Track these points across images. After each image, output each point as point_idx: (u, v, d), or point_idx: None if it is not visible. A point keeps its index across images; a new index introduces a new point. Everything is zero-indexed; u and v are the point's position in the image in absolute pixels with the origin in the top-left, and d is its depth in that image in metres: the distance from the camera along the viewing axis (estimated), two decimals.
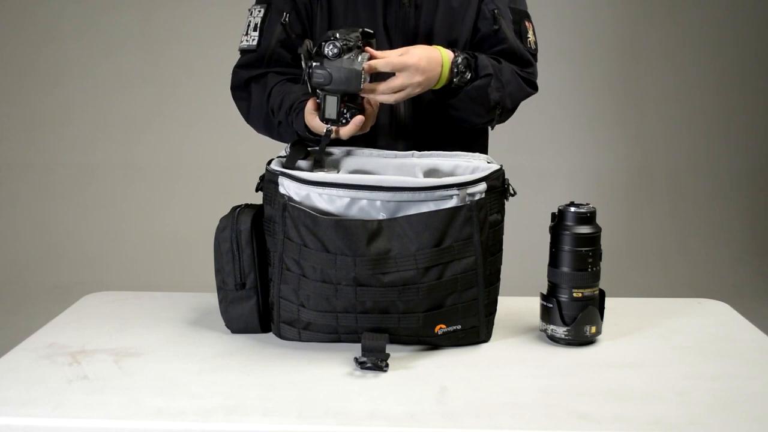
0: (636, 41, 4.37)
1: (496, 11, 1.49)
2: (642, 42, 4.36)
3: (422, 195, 1.20)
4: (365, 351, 1.18)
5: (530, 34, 1.55)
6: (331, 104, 1.28)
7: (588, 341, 1.29)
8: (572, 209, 1.27)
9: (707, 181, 4.39)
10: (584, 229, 1.27)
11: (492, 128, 1.57)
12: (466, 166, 1.33)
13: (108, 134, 4.30)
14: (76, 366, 1.20)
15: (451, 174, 1.32)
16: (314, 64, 1.25)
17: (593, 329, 1.28)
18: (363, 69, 1.25)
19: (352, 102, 1.30)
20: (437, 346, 1.27)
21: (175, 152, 4.29)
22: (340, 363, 1.21)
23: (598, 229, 1.29)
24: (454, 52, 1.38)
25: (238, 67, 1.53)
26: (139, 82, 4.26)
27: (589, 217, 1.27)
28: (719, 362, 1.24)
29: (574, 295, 1.27)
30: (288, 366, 1.20)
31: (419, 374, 1.18)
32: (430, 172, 1.33)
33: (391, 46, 1.47)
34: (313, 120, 1.33)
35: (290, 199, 1.23)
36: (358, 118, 1.29)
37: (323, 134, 1.31)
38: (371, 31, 1.33)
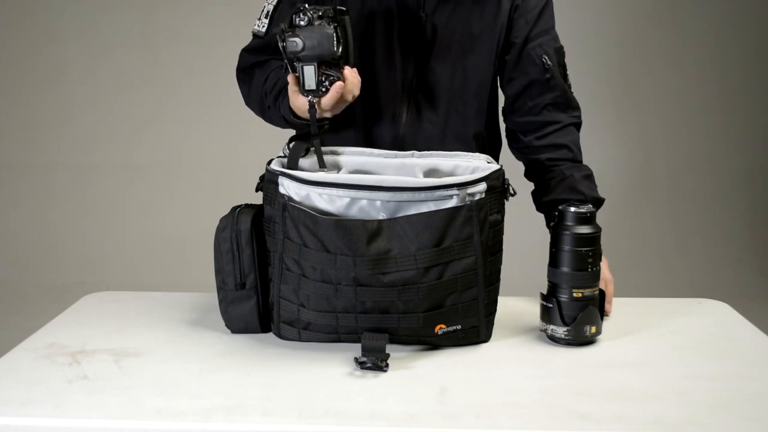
0: (636, 41, 4.37)
1: (545, 58, 1.52)
2: (642, 42, 4.36)
3: (422, 195, 1.20)
4: (365, 351, 1.18)
5: (568, 71, 1.59)
6: (309, 74, 1.27)
7: (588, 341, 1.29)
8: (572, 209, 1.27)
9: (707, 181, 4.39)
10: (584, 229, 1.27)
11: None
12: (466, 166, 1.33)
13: (108, 134, 4.30)
14: (76, 366, 1.20)
15: (451, 174, 1.32)
16: (287, 35, 1.25)
17: (593, 329, 1.28)
18: (335, 32, 1.25)
19: (330, 70, 1.29)
20: (437, 346, 1.27)
21: (175, 152, 4.29)
22: (340, 363, 1.20)
23: (598, 229, 1.29)
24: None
25: (246, 51, 1.54)
26: (139, 82, 4.26)
27: (589, 218, 1.28)
28: (719, 362, 1.24)
29: (574, 295, 1.27)
30: (288, 366, 1.20)
31: (419, 374, 1.18)
32: (430, 172, 1.33)
33: (404, 60, 1.48)
34: (296, 99, 1.32)
35: (290, 199, 1.23)
36: (338, 84, 1.28)
37: (308, 110, 1.30)
38: (344, 9, 1.33)
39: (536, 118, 1.56)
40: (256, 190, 1.32)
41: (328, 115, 1.33)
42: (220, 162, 4.24)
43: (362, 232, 1.19)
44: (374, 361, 1.17)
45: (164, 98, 4.27)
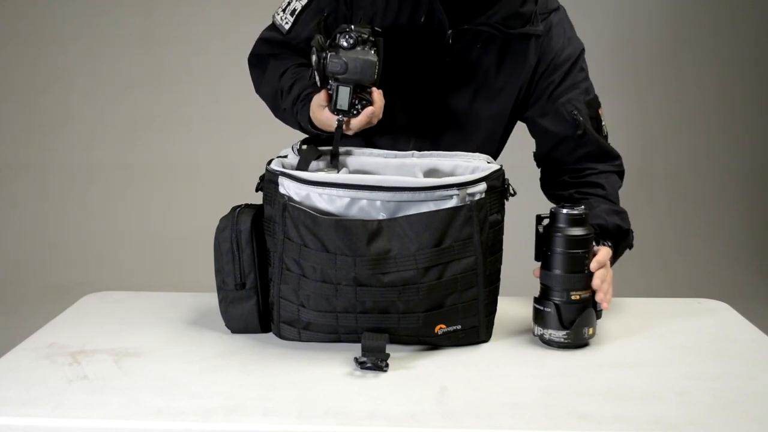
0: (636, 41, 4.36)
1: (575, 114, 1.48)
2: (642, 42, 4.36)
3: (422, 195, 1.20)
4: (365, 351, 1.18)
5: (604, 122, 1.55)
6: (344, 95, 1.28)
7: (585, 343, 1.29)
8: (564, 210, 1.27)
9: (707, 181, 4.39)
10: (579, 231, 1.26)
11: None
12: (466, 166, 1.33)
13: (108, 134, 4.29)
14: (76, 366, 1.20)
15: (451, 174, 1.32)
16: (329, 53, 1.26)
17: (591, 331, 1.28)
18: (377, 60, 1.26)
19: (362, 93, 1.30)
20: (437, 346, 1.27)
21: (175, 152, 4.29)
22: (340, 363, 1.20)
23: (591, 230, 1.28)
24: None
25: (263, 41, 1.54)
26: (139, 83, 4.26)
27: (582, 219, 1.27)
28: (719, 362, 1.24)
29: (572, 297, 1.26)
30: (288, 366, 1.20)
31: (419, 374, 1.18)
32: (430, 172, 1.33)
33: (420, 100, 1.48)
34: (321, 113, 1.33)
35: (290, 199, 1.23)
36: (369, 110, 1.30)
37: (334, 127, 1.31)
38: (380, 30, 1.34)
39: (572, 167, 1.53)
40: (256, 190, 1.32)
41: (350, 134, 1.34)
42: (220, 162, 4.24)
43: (362, 232, 1.19)
44: (374, 361, 1.17)
45: (164, 98, 4.26)
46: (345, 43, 1.26)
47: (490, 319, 1.30)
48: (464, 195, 1.21)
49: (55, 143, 4.29)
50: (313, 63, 1.29)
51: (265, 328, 1.34)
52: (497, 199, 1.26)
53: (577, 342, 1.27)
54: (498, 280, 1.29)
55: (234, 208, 1.34)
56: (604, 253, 1.32)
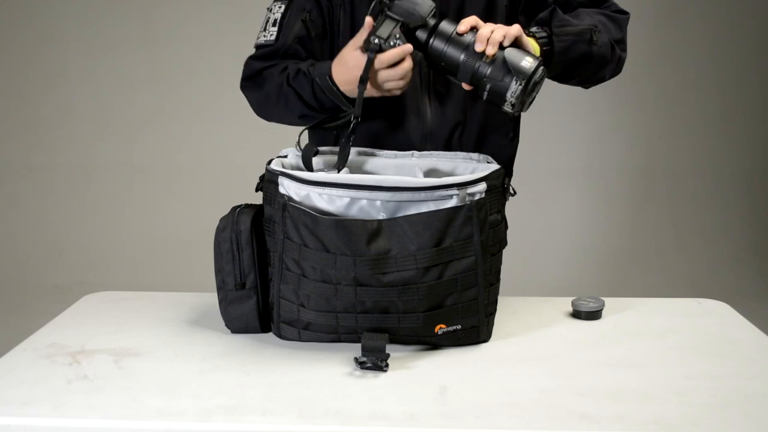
0: (636, 41, 4.36)
1: None
2: (642, 42, 4.36)
3: (422, 195, 1.20)
4: (365, 351, 1.18)
5: None
6: (388, 25, 1.25)
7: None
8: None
9: (707, 181, 4.39)
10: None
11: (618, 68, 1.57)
12: (466, 166, 1.33)
13: (108, 134, 4.30)
14: (76, 366, 1.20)
15: (450, 174, 1.32)
16: None
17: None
18: (434, 5, 1.24)
19: (404, 38, 1.26)
20: (437, 346, 1.27)
21: (175, 152, 4.29)
22: (340, 363, 1.21)
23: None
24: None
25: (252, 59, 1.51)
26: (139, 82, 4.26)
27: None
28: (719, 362, 1.24)
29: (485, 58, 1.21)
30: (288, 366, 1.20)
31: (419, 374, 1.18)
32: (429, 172, 1.33)
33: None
34: (351, 53, 1.29)
35: (290, 199, 1.23)
36: (408, 46, 1.26)
37: (362, 67, 1.27)
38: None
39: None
40: (256, 190, 1.32)
41: (374, 93, 1.31)
42: (220, 162, 4.24)
43: (362, 231, 1.19)
44: (374, 361, 1.17)
45: (164, 98, 4.27)
46: None
47: (490, 319, 1.30)
48: (464, 195, 1.21)
49: (55, 143, 4.29)
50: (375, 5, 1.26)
51: (265, 328, 1.34)
52: (497, 199, 1.26)
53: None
54: (498, 280, 1.30)
55: (234, 208, 1.34)
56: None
